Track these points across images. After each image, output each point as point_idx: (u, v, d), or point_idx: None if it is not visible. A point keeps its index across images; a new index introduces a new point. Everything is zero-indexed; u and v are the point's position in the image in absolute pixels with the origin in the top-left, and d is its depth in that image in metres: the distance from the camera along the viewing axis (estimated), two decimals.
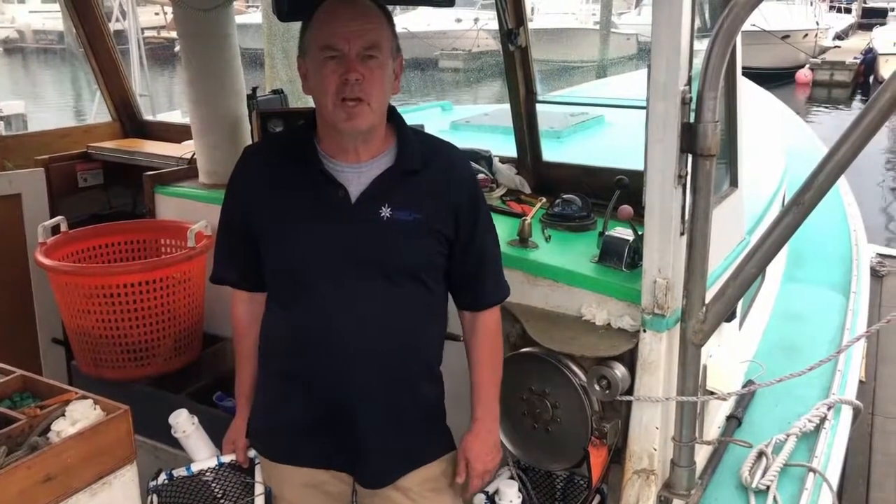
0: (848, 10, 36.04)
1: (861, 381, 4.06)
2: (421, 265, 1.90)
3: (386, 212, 1.82)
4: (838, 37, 28.91)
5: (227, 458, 2.09)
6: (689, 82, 1.90)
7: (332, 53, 1.75)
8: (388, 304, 1.86)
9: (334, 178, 1.83)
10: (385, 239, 1.84)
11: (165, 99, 13.54)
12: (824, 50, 25.29)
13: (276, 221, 1.86)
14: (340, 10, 1.77)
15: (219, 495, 2.09)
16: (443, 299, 2.00)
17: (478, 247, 1.98)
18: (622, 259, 2.28)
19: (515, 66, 3.00)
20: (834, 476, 2.32)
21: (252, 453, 2.08)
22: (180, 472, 2.05)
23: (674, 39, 1.87)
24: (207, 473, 2.07)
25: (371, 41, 1.75)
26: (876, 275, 5.74)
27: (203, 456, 2.11)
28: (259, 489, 2.05)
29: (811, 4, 27.16)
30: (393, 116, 1.92)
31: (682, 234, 1.99)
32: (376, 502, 1.96)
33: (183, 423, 2.11)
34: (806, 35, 24.97)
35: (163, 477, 2.04)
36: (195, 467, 2.06)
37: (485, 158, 3.06)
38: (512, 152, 3.23)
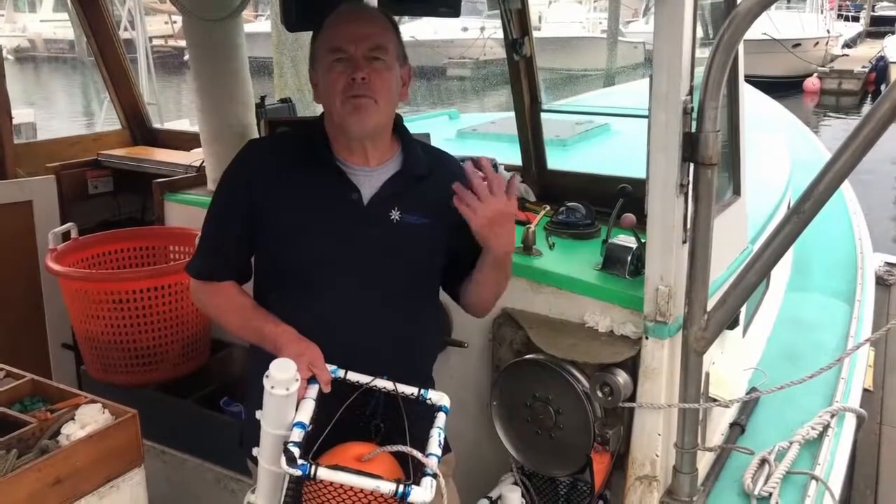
0: (856, 19, 35.97)
1: (868, 391, 4.05)
2: (427, 268, 1.96)
3: (396, 215, 1.87)
4: (846, 45, 28.83)
5: (312, 393, 1.69)
6: (690, 92, 1.93)
7: (340, 55, 1.80)
8: (394, 307, 1.89)
9: (349, 179, 1.86)
10: (395, 241, 1.88)
11: (174, 107, 13.65)
12: (833, 58, 25.22)
13: (288, 219, 1.86)
14: (347, 16, 1.84)
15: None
16: (438, 308, 2.09)
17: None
18: (625, 267, 2.30)
19: (520, 76, 3.03)
20: (836, 484, 2.32)
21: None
22: (297, 435, 1.60)
23: (675, 50, 1.89)
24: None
25: (376, 43, 1.81)
26: (884, 284, 5.73)
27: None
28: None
29: (821, 13, 27.10)
30: (397, 125, 1.95)
31: (684, 242, 2.01)
32: None
33: (292, 379, 1.63)
34: (817, 43, 24.90)
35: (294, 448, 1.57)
36: (304, 418, 1.64)
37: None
38: (518, 160, 3.27)
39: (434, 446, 1.66)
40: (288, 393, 1.62)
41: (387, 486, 1.54)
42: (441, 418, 1.74)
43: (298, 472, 1.54)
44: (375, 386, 1.75)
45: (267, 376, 1.62)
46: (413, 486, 1.55)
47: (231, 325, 1.95)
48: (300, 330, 1.81)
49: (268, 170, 1.89)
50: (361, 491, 1.57)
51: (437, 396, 1.76)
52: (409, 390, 1.76)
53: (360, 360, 1.80)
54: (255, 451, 1.71)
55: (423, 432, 1.71)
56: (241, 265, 1.96)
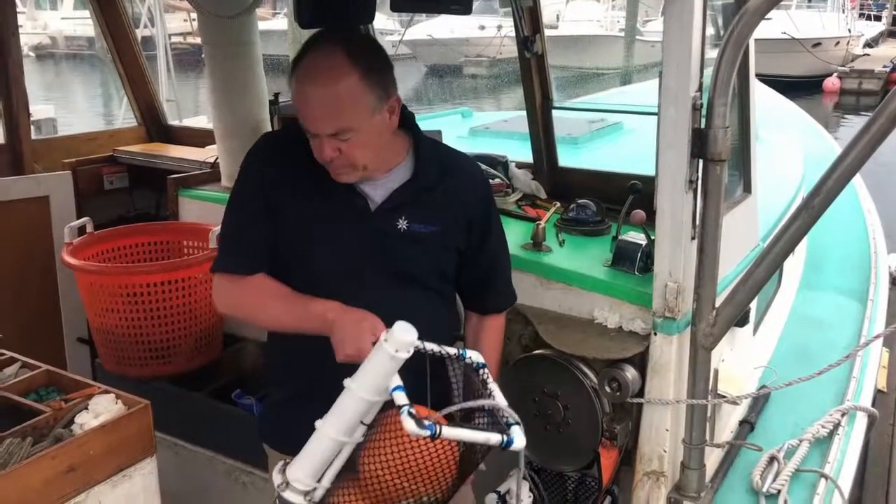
0: (878, 18, 35.58)
1: (882, 391, 4.02)
2: (434, 275, 1.95)
3: (403, 224, 1.86)
4: (868, 45, 28.53)
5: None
6: (700, 89, 1.93)
7: (310, 133, 1.77)
8: (402, 312, 1.88)
9: (354, 188, 1.86)
10: (401, 250, 1.87)
11: (192, 103, 13.72)
12: (854, 58, 24.96)
13: (296, 223, 1.87)
14: (308, 89, 1.73)
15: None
16: (453, 305, 2.07)
17: (489, 253, 2.03)
18: (634, 263, 2.31)
19: (532, 73, 3.04)
20: (846, 483, 2.32)
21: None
22: (405, 398, 1.56)
23: (685, 46, 1.89)
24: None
25: (338, 126, 1.73)
26: None
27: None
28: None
29: (843, 12, 26.84)
30: (408, 124, 1.92)
31: (693, 238, 2.01)
32: None
33: (413, 342, 1.62)
34: (838, 43, 24.66)
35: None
36: (399, 382, 1.60)
37: (501, 164, 3.10)
38: (529, 158, 3.27)
39: (501, 398, 1.65)
40: (408, 355, 1.60)
41: (496, 438, 1.54)
42: (488, 373, 1.72)
43: (427, 433, 1.51)
44: (424, 349, 1.70)
45: (386, 340, 1.59)
46: (513, 436, 1.56)
47: (269, 313, 1.88)
48: (308, 335, 1.82)
49: (279, 167, 1.88)
50: (420, 444, 1.57)
51: (474, 355, 1.75)
52: (452, 351, 1.74)
53: None
54: (318, 423, 1.66)
55: (444, 389, 1.73)
56: (267, 256, 1.90)
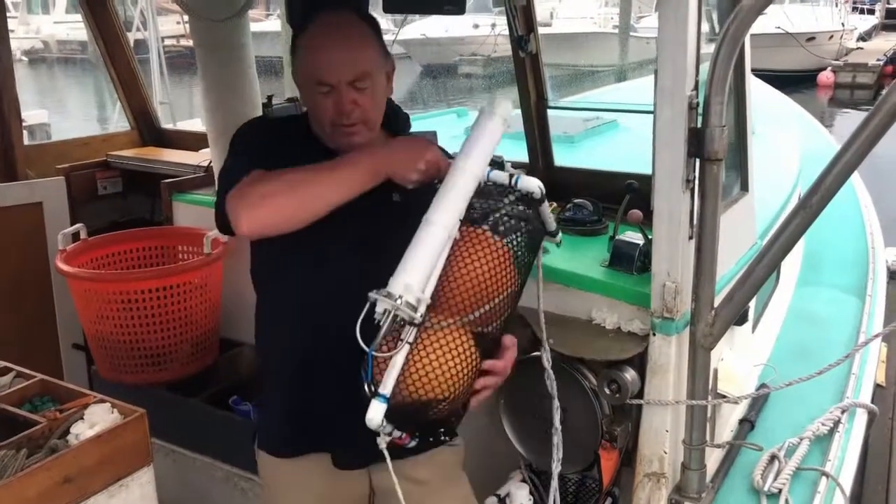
0: (871, 12, 35.62)
1: (880, 386, 4.02)
2: None
3: (396, 196, 1.85)
4: (861, 38, 28.56)
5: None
6: (696, 87, 1.92)
7: (324, 88, 1.77)
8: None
9: None
10: (397, 221, 1.82)
11: (186, 106, 13.69)
12: (848, 52, 25.01)
13: None
14: (324, 41, 1.78)
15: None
16: None
17: None
18: (632, 263, 2.29)
19: (526, 72, 3.03)
20: (847, 480, 2.31)
21: None
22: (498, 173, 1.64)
23: (680, 44, 1.88)
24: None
25: (359, 72, 1.77)
26: None
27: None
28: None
29: (836, 6, 26.88)
30: (400, 127, 1.97)
31: (690, 238, 2.00)
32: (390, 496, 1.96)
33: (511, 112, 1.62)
34: (831, 37, 24.71)
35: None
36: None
37: (497, 164, 3.07)
38: (525, 157, 3.26)
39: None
40: (498, 127, 1.62)
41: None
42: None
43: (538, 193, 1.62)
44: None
45: (494, 112, 1.60)
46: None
47: (313, 188, 1.72)
48: (302, 302, 1.84)
49: (272, 144, 1.87)
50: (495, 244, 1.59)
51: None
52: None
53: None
54: (427, 215, 1.59)
55: None
56: None
